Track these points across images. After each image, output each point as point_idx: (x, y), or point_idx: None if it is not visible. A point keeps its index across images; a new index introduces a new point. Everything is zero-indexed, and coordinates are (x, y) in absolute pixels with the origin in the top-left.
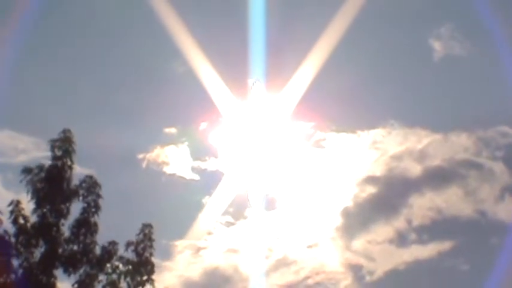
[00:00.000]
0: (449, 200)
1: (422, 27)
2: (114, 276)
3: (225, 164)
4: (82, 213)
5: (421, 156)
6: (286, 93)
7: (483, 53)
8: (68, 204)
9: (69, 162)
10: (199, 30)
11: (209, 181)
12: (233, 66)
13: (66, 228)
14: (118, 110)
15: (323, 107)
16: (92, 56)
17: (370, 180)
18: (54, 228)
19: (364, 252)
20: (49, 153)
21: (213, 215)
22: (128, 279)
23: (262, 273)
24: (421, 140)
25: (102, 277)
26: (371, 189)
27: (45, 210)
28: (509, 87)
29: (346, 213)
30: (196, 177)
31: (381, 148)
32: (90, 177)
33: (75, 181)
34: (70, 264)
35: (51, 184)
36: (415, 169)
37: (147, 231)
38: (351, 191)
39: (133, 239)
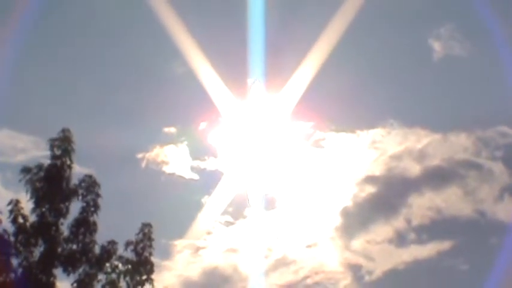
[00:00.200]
0: (449, 200)
1: (422, 27)
2: (114, 275)
3: (225, 164)
4: (81, 213)
5: (420, 156)
6: (285, 93)
7: (483, 53)
8: (67, 204)
9: (68, 162)
10: (198, 30)
11: (208, 181)
12: (232, 66)
13: (65, 227)
14: (117, 109)
15: (322, 107)
16: (92, 56)
17: (370, 180)
18: (54, 228)
19: (363, 252)
20: (48, 153)
21: (212, 215)
22: (127, 278)
23: (261, 272)
24: (420, 139)
25: (101, 276)
26: (370, 189)
27: (44, 209)
28: (509, 87)
29: (346, 213)
30: (196, 176)
31: (380, 148)
32: (90, 176)
33: (74, 180)
34: (69, 263)
35: (51, 183)
36: (414, 169)
37: (146, 230)
38: (350, 190)
39: (133, 238)
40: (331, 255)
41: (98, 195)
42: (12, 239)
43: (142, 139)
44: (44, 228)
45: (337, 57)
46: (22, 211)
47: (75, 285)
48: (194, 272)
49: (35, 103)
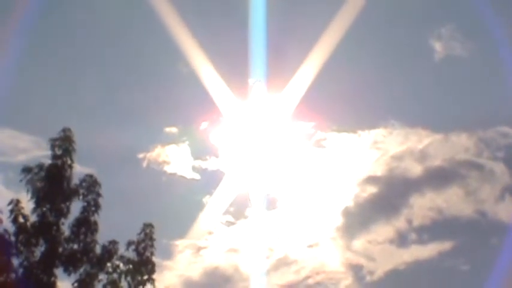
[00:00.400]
0: (450, 200)
1: (423, 27)
2: (115, 275)
3: (226, 164)
4: (82, 212)
5: (421, 156)
6: (286, 93)
7: (484, 54)
8: (68, 203)
9: (69, 161)
10: (200, 30)
11: (210, 181)
12: (234, 66)
13: (66, 227)
14: (118, 109)
15: (324, 107)
16: (93, 56)
17: (371, 180)
18: (54, 227)
19: (364, 252)
20: (49, 152)
21: (213, 215)
22: (129, 278)
23: (262, 272)
24: (421, 140)
25: (102, 276)
26: (372, 189)
27: (45, 209)
28: (510, 88)
29: (347, 213)
30: (197, 176)
31: (381, 148)
32: (91, 176)
33: (75, 180)
34: (70, 263)
35: (51, 183)
36: (415, 169)
37: (148, 230)
38: (352, 190)
39: (134, 238)
40: (332, 255)
41: (98, 194)
42: (13, 238)
43: (144, 139)
44: (45, 228)
45: (338, 57)
46: (23, 211)
47: (76, 285)
48: (195, 272)
49: (36, 103)
